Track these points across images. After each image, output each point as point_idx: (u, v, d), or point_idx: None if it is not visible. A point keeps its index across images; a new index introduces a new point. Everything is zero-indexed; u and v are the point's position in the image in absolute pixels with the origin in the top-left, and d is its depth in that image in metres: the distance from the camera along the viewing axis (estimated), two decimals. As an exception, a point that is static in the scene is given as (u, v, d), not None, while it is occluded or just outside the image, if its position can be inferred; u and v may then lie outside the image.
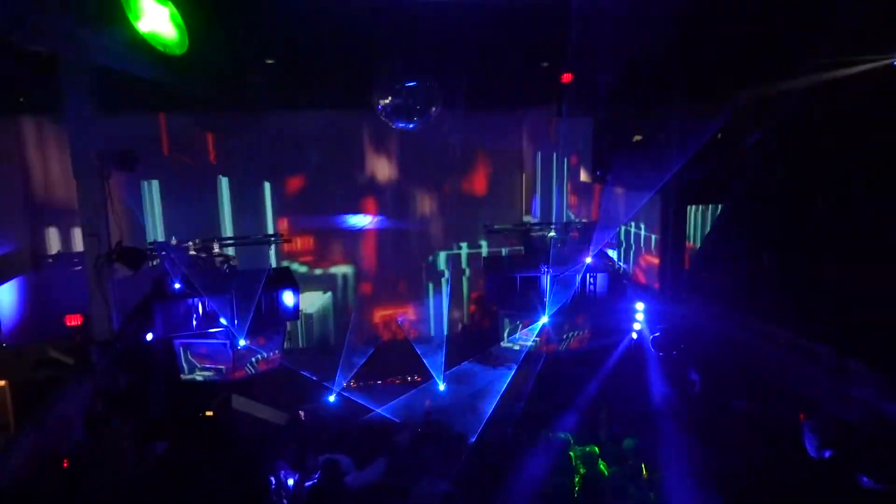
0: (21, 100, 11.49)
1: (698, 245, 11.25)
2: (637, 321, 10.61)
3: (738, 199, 9.53)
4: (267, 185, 14.34)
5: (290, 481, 7.99)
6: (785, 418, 7.75)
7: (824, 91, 7.62)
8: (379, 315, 15.21)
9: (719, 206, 10.83)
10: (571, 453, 8.41)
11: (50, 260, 12.58)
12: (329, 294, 15.02)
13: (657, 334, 9.99)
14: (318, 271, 14.99)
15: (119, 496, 7.58)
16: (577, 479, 7.96)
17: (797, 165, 8.89)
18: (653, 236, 11.89)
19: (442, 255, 15.50)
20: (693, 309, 9.85)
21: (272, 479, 8.04)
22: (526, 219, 15.30)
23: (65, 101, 7.91)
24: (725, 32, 8.20)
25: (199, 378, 9.25)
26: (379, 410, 10.50)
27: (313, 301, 14.75)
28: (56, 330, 11.15)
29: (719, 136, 10.96)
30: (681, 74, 9.93)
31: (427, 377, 11.42)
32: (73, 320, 11.33)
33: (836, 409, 7.12)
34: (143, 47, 6.52)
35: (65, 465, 6.86)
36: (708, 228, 11.15)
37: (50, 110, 11.80)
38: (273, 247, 13.43)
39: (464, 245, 15.40)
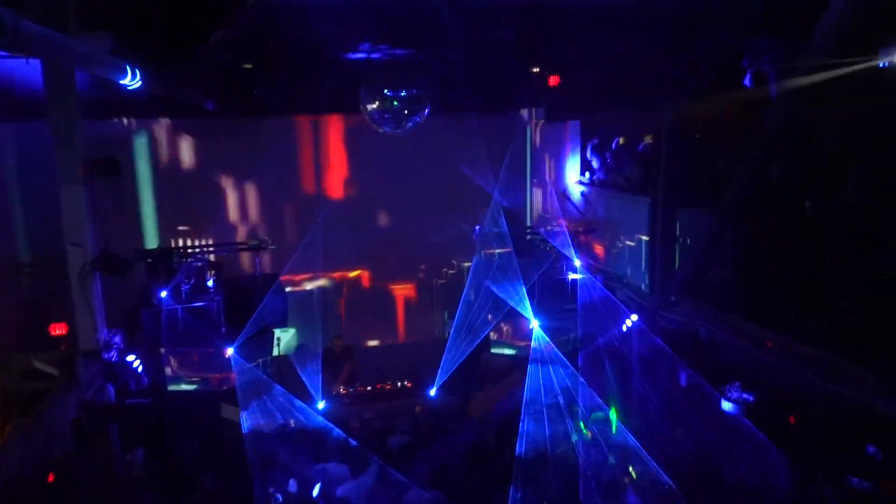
0: (4, 106, 11.34)
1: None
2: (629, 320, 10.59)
3: (732, 201, 9.54)
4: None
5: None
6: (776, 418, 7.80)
7: (816, 92, 7.66)
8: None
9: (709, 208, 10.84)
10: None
11: (32, 268, 12.40)
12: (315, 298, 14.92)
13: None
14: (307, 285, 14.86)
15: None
16: None
17: (791, 165, 8.93)
18: (643, 238, 11.89)
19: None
20: (684, 313, 9.86)
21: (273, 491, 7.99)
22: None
23: (49, 108, 7.81)
24: (716, 30, 8.23)
25: (186, 387, 9.17)
26: (367, 416, 10.41)
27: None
28: (41, 339, 11.01)
29: (703, 136, 11.00)
30: (669, 75, 9.97)
31: (417, 383, 11.35)
32: (58, 329, 11.16)
33: (827, 412, 7.16)
34: (123, 56, 6.47)
35: (50, 478, 6.74)
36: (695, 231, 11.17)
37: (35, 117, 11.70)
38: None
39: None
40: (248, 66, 10.24)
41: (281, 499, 7.88)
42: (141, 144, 13.28)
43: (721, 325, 9.08)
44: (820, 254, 8.50)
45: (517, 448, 8.67)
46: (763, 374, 8.18)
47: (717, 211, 9.82)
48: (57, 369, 7.42)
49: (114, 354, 8.25)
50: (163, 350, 8.83)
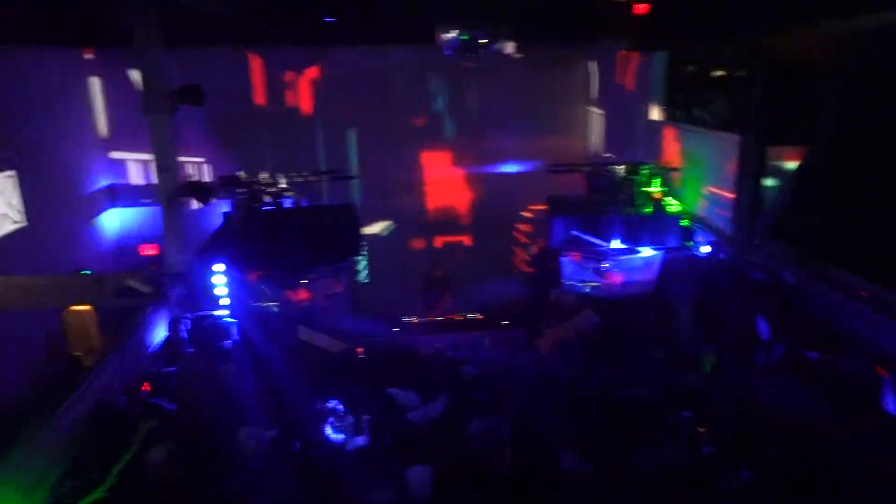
0: (93, 34, 11.66)
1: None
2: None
3: (826, 141, 8.88)
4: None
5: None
6: (862, 372, 7.45)
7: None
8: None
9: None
10: None
11: (126, 193, 13.05)
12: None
13: None
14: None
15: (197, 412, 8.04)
16: None
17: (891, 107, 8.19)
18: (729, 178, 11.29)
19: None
20: (769, 256, 9.38)
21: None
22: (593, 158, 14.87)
23: (135, 36, 8.00)
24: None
25: (267, 310, 9.57)
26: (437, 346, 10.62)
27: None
28: (133, 260, 11.70)
29: (802, 69, 10.19)
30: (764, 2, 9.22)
31: (488, 315, 11.45)
32: (148, 250, 11.83)
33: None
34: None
35: (145, 387, 7.26)
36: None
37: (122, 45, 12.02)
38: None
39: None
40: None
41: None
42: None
43: (809, 270, 8.61)
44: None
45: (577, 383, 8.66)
46: (853, 323, 7.78)
47: (811, 149, 9.18)
48: (149, 288, 7.85)
49: (199, 276, 8.67)
50: (245, 273, 9.19)
